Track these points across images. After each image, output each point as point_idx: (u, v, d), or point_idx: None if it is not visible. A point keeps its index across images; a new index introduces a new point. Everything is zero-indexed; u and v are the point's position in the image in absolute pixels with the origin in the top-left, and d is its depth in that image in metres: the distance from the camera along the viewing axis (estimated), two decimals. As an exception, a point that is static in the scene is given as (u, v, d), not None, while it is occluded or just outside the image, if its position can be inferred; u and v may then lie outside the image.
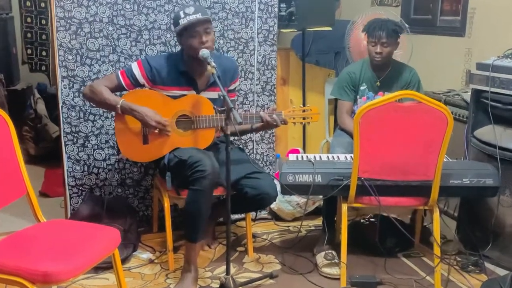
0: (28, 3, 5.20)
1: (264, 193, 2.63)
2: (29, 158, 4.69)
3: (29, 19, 5.24)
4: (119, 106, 2.60)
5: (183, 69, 2.69)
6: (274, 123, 2.64)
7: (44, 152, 4.67)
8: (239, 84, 3.33)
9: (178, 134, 2.69)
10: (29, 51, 5.34)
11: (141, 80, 2.68)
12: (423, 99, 2.39)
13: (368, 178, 2.55)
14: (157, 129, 2.60)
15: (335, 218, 3.07)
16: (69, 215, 3.17)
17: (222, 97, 2.34)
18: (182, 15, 2.60)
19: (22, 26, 5.28)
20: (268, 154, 3.55)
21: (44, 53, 5.35)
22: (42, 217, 2.34)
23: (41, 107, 4.73)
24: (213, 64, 2.45)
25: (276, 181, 2.79)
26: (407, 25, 3.53)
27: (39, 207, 2.35)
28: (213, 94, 2.68)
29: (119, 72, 2.71)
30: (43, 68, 5.41)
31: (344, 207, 2.66)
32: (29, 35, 5.30)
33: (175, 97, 2.70)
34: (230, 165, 2.36)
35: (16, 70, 5.05)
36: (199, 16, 2.56)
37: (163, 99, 2.68)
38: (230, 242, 2.51)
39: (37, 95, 4.78)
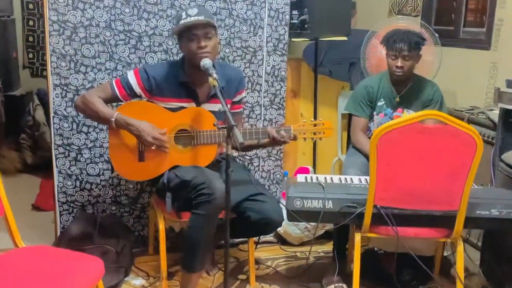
0: (30, 6, 5.00)
1: (268, 218, 2.38)
2: (26, 167, 4.52)
3: (31, 22, 5.05)
4: (113, 119, 2.38)
5: (183, 79, 2.46)
6: (282, 139, 2.39)
7: (41, 161, 4.46)
8: (246, 96, 3.09)
9: (177, 150, 2.45)
10: (30, 56, 5.15)
11: (138, 90, 2.45)
12: (449, 121, 2.12)
13: (385, 207, 2.29)
14: (154, 145, 2.37)
15: (347, 246, 2.82)
16: (58, 233, 2.94)
17: (223, 112, 2.10)
18: (183, 15, 2.38)
19: (24, 30, 5.08)
20: (275, 172, 3.30)
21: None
22: (20, 242, 2.11)
23: (39, 114, 4.53)
24: (214, 75, 2.21)
25: (282, 204, 2.54)
26: (437, 35, 3.29)
27: (17, 231, 2.12)
28: (215, 107, 2.44)
29: (113, 82, 2.48)
30: (45, 73, 5.20)
31: (358, 237, 2.41)
32: (30, 38, 5.10)
33: (174, 110, 2.47)
34: (229, 188, 2.11)
35: (16, 75, 4.84)
36: (201, 18, 2.33)
37: (161, 112, 2.45)
38: (228, 273, 2.26)
39: (37, 102, 4.58)
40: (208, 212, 2.25)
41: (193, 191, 2.26)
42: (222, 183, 2.25)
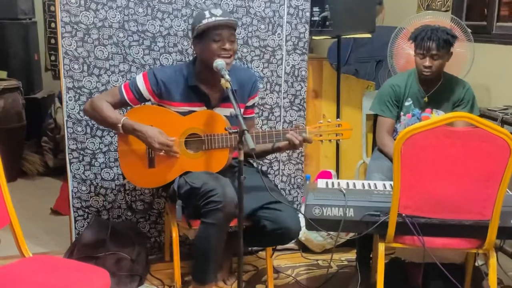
0: (52, 8, 4.99)
1: (284, 228, 2.26)
2: (48, 170, 4.49)
3: (53, 25, 5.03)
4: (120, 125, 2.29)
5: (193, 83, 2.35)
6: (297, 142, 2.24)
7: (63, 164, 4.41)
8: (265, 97, 2.97)
9: (188, 156, 2.35)
10: (52, 58, 5.14)
11: (146, 94, 2.37)
12: (480, 124, 1.95)
13: (411, 215, 2.14)
14: (162, 151, 2.27)
15: (371, 255, 2.67)
16: (73, 240, 2.88)
17: (235, 117, 1.99)
18: (207, 14, 2.26)
19: (46, 32, 5.09)
20: (296, 176, 3.16)
21: (68, 60, 5.15)
22: (27, 251, 2.03)
23: (61, 117, 4.49)
24: (227, 77, 2.11)
25: (300, 213, 2.41)
26: (469, 30, 3.10)
27: (24, 240, 2.04)
28: (227, 111, 2.33)
29: (122, 86, 2.40)
30: (67, 75, 5.21)
31: (381, 247, 2.25)
32: (52, 41, 5.10)
33: (184, 113, 2.37)
34: (242, 196, 1.99)
35: (38, 77, 4.84)
36: (226, 19, 2.23)
37: (171, 116, 2.36)
38: (242, 284, 2.15)
39: (58, 104, 4.54)
40: (218, 221, 2.15)
41: (202, 199, 2.16)
42: (234, 190, 2.14)
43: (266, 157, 3.03)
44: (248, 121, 2.47)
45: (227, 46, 2.25)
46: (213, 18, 2.24)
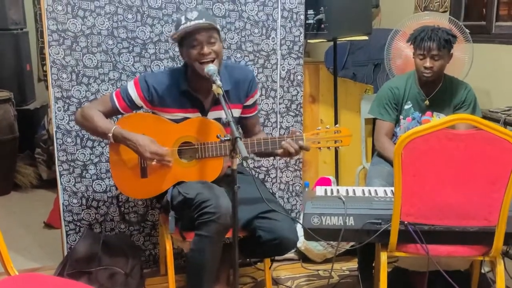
0: (44, 18, 4.93)
1: (280, 238, 2.17)
2: (42, 182, 4.40)
3: (45, 34, 4.98)
4: (111, 134, 2.21)
5: (185, 88, 2.27)
6: (292, 150, 2.16)
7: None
8: (260, 104, 2.89)
9: (181, 165, 2.26)
10: (45, 68, 5.07)
11: (138, 101, 2.28)
12: (483, 125, 1.87)
13: (413, 223, 2.05)
14: (154, 160, 2.19)
15: (373, 264, 2.57)
16: (65, 254, 2.79)
17: (227, 123, 1.91)
18: (183, 20, 2.18)
19: (38, 42, 5.02)
20: (294, 183, 3.07)
21: (61, 70, 5.09)
22: (13, 269, 1.94)
23: (54, 128, 4.41)
24: (219, 83, 2.02)
25: (298, 222, 2.33)
26: (468, 31, 3.04)
27: (9, 257, 1.95)
28: (223, 114, 2.23)
29: (113, 94, 2.32)
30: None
31: (384, 257, 2.16)
32: (45, 51, 5.03)
33: (178, 121, 2.29)
34: (237, 206, 1.91)
35: (30, 88, 4.76)
36: (202, 22, 2.13)
37: (163, 123, 2.27)
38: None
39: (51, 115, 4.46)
40: (212, 233, 2.06)
41: (196, 210, 2.07)
42: (229, 201, 2.05)
43: (263, 164, 2.95)
44: (251, 119, 2.42)
45: (205, 50, 2.15)
46: (188, 23, 2.15)
